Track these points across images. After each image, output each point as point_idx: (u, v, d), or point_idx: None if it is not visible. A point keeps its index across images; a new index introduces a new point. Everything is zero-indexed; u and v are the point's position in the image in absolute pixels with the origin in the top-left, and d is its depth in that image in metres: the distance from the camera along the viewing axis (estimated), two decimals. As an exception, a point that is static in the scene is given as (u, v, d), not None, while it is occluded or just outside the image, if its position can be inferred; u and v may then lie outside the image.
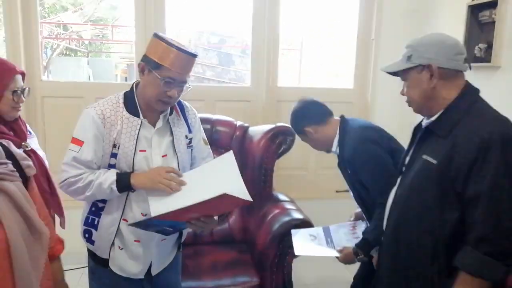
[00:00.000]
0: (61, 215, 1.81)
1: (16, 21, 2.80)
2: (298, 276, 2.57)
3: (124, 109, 1.55)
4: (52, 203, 1.76)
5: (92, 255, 1.68)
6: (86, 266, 2.90)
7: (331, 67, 5.30)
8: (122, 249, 1.62)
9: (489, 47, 2.52)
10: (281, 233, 2.12)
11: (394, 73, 1.48)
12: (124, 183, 1.50)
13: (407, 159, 1.49)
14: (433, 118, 1.39)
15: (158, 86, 1.49)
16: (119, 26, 8.64)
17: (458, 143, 1.27)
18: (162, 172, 1.51)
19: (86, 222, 1.62)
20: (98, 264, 1.66)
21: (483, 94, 2.63)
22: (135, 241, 1.61)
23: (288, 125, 2.57)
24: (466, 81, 1.41)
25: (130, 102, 1.57)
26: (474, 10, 2.63)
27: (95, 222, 1.60)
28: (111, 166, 1.54)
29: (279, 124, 2.59)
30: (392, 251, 1.46)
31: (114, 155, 1.54)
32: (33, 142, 1.79)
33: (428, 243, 1.33)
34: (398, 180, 1.51)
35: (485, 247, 1.21)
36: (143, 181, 1.51)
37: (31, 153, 1.68)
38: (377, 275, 1.59)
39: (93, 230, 1.61)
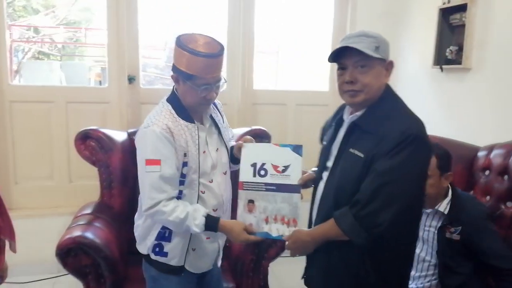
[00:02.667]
0: (13, 239, 1.60)
1: (-18, 23, 2.70)
2: (275, 280, 2.56)
3: (180, 118, 1.58)
4: (3, 227, 1.54)
5: (159, 265, 1.66)
6: (58, 276, 2.86)
7: (307, 69, 5.31)
8: (194, 249, 1.67)
9: (460, 49, 2.56)
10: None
11: (335, 58, 1.45)
12: (211, 229, 1.58)
13: (333, 153, 1.51)
14: (358, 113, 1.44)
15: (196, 93, 1.54)
16: (92, 29, 8.48)
17: (379, 139, 1.35)
18: (240, 232, 1.59)
19: (158, 237, 1.63)
20: (168, 274, 1.66)
21: (455, 95, 2.69)
22: (206, 238, 1.68)
23: (264, 128, 2.57)
24: None
25: (180, 110, 1.60)
26: (445, 13, 2.67)
27: (167, 234, 1.62)
28: (183, 175, 1.57)
29: (254, 127, 2.57)
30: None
31: (185, 164, 1.56)
32: None
33: None
34: (326, 174, 1.52)
35: (355, 209, 1.34)
36: (226, 233, 1.63)
37: None
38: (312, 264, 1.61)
39: (166, 243, 1.63)
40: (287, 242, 1.54)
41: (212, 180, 1.65)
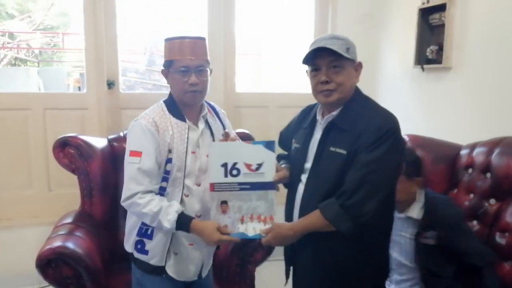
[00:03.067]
0: None
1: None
2: (262, 284, 2.53)
3: (170, 115, 1.61)
4: None
5: (142, 265, 1.66)
6: (41, 287, 2.78)
7: (289, 71, 5.33)
8: (177, 254, 1.65)
9: (440, 49, 2.58)
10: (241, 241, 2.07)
11: (308, 61, 1.51)
12: (184, 228, 1.55)
13: (311, 154, 1.54)
14: (334, 113, 1.50)
15: (178, 79, 1.58)
16: (70, 34, 8.34)
17: (358, 134, 1.42)
18: (213, 232, 1.53)
19: (139, 233, 1.64)
20: (150, 274, 1.65)
21: (436, 94, 2.72)
22: (189, 244, 1.66)
23: (247, 130, 2.55)
24: None
25: (173, 108, 1.63)
26: (424, 14, 2.69)
27: (149, 232, 1.62)
28: (166, 172, 1.58)
29: (238, 130, 2.54)
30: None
31: (169, 161, 1.58)
32: None
33: None
34: (305, 176, 1.54)
35: (342, 199, 1.39)
36: (198, 234, 1.56)
37: None
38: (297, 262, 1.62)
39: (147, 240, 1.63)
40: (265, 237, 1.52)
41: (200, 184, 1.64)
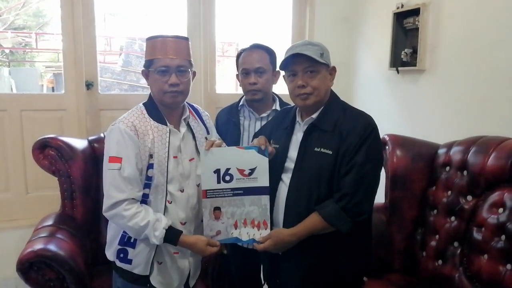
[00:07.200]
0: None
1: None
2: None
3: (150, 118, 1.56)
4: None
5: (125, 274, 1.60)
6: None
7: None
8: (161, 263, 1.60)
9: (414, 52, 2.67)
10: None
11: (286, 66, 1.57)
12: (171, 242, 1.54)
13: (292, 155, 1.60)
14: (314, 116, 1.57)
15: (157, 79, 1.54)
16: (43, 34, 8.16)
17: (344, 135, 1.49)
18: (204, 248, 1.56)
19: (122, 241, 1.58)
20: (133, 283, 1.60)
21: (411, 96, 2.80)
22: (174, 253, 1.61)
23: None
24: None
25: (153, 111, 1.58)
26: (399, 18, 2.78)
27: (132, 240, 1.57)
28: (148, 178, 1.53)
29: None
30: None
31: (151, 166, 1.52)
32: None
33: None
34: (287, 176, 1.59)
35: (343, 202, 1.46)
36: (188, 247, 1.57)
37: None
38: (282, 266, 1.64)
39: (130, 249, 1.57)
40: (261, 243, 1.54)
41: (183, 189, 1.61)
